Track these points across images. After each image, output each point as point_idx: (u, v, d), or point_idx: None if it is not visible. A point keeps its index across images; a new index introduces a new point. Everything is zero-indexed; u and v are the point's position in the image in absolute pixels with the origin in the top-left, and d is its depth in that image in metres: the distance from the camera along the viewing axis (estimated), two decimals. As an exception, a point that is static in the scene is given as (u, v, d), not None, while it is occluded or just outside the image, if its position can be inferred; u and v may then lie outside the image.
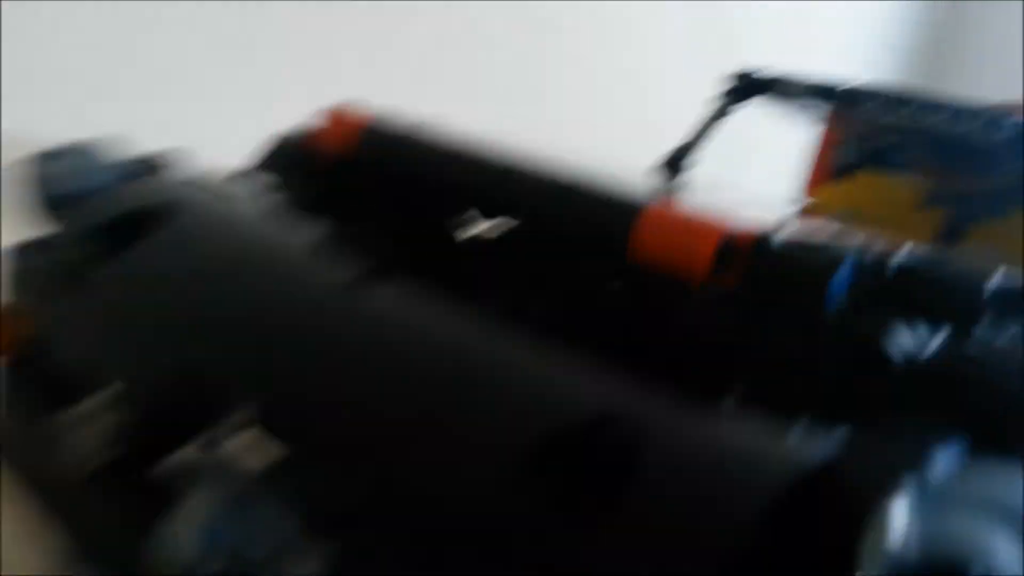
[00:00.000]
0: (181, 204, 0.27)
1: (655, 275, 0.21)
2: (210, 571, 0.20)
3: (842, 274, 0.21)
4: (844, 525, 0.14)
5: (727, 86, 0.57)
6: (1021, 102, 0.69)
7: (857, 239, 0.23)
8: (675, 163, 0.56)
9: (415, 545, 0.18)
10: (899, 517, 0.14)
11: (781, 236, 0.21)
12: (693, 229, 0.20)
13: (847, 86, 0.53)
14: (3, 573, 0.29)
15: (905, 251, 0.24)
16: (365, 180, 0.30)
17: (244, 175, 0.35)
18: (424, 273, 0.24)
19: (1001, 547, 0.13)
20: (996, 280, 0.24)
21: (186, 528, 0.21)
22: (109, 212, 0.27)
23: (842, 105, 0.53)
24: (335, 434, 0.19)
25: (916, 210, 0.63)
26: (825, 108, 0.60)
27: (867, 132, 0.68)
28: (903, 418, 0.19)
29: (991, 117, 0.51)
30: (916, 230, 0.62)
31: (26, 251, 0.31)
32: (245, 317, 0.22)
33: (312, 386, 0.20)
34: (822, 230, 0.24)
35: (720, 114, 0.57)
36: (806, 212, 0.66)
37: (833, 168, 0.69)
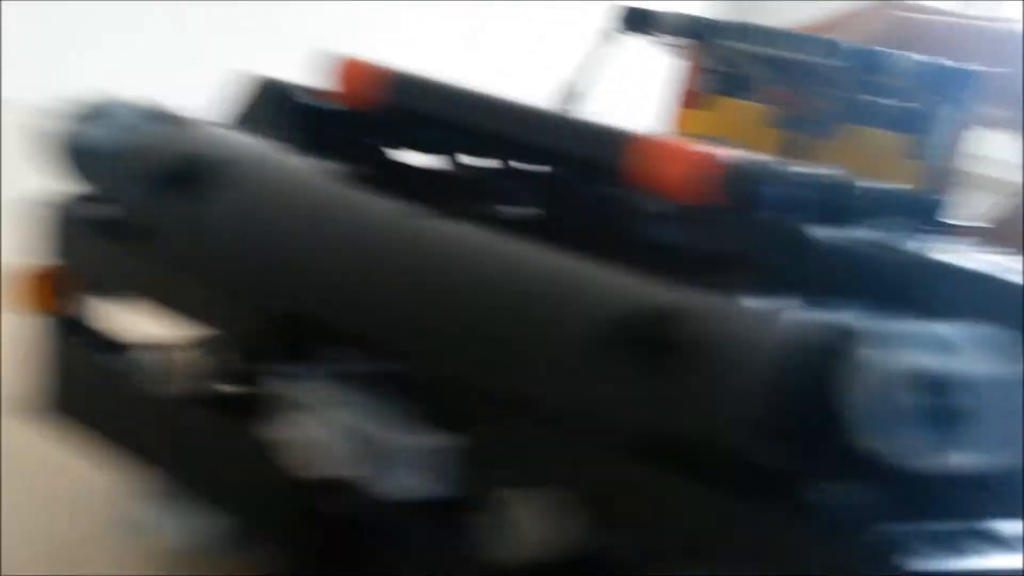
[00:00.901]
0: (233, 154, 0.30)
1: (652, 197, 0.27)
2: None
3: (771, 187, 0.28)
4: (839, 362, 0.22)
5: (610, 22, 0.64)
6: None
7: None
8: (566, 100, 0.63)
9: (526, 426, 0.24)
10: (876, 350, 0.21)
11: (738, 157, 0.28)
12: (686, 156, 0.27)
13: (710, 21, 0.61)
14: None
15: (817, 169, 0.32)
16: (394, 130, 0.34)
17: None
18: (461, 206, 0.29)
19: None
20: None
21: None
22: (160, 164, 0.30)
23: (705, 38, 0.61)
24: (442, 345, 0.25)
25: (764, 131, 0.73)
26: (689, 42, 0.67)
27: (722, 65, 0.77)
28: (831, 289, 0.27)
29: (829, 44, 0.59)
30: (763, 148, 0.73)
31: (68, 206, 0.33)
32: (323, 252, 0.27)
33: (409, 307, 0.25)
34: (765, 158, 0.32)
35: (604, 50, 0.64)
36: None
37: (694, 98, 0.78)
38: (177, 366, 0.29)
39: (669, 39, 0.66)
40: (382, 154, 0.35)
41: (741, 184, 0.27)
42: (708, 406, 0.21)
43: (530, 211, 0.30)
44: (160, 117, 0.34)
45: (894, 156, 0.69)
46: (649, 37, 0.66)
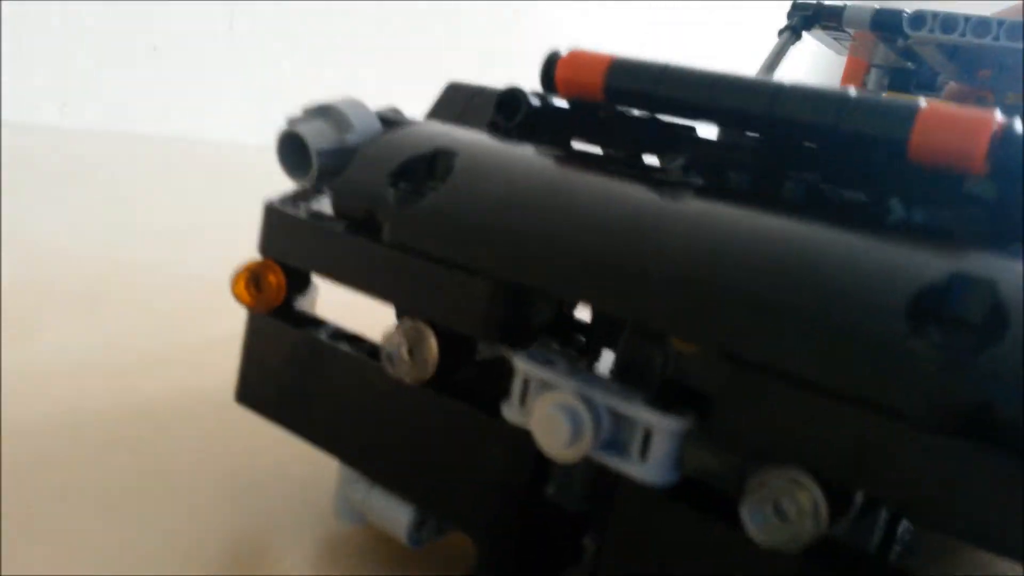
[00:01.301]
0: (466, 142, 0.30)
1: (933, 171, 0.25)
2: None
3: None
4: None
5: (790, 18, 0.62)
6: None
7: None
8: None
9: (791, 409, 0.22)
10: None
11: (1019, 127, 0.26)
12: (968, 125, 0.25)
13: (906, 13, 0.58)
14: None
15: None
16: (619, 117, 0.34)
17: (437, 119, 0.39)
18: (705, 187, 0.28)
19: None
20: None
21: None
22: (400, 155, 0.30)
23: (899, 31, 0.58)
24: (699, 304, 0.24)
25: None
26: (872, 36, 0.64)
27: (888, 60, 0.73)
28: None
29: (1010, 26, 0.55)
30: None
31: (288, 203, 0.34)
32: (581, 225, 0.26)
33: (661, 265, 0.24)
34: None
35: (787, 45, 0.61)
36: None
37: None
38: (403, 354, 0.29)
39: (852, 33, 0.64)
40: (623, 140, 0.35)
41: (1011, 151, 0.25)
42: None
43: (800, 187, 0.29)
44: (385, 117, 0.35)
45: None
46: (831, 32, 0.63)
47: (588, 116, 0.36)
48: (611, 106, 0.33)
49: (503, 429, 0.28)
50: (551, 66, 0.33)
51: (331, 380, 0.32)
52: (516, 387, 0.27)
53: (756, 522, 0.22)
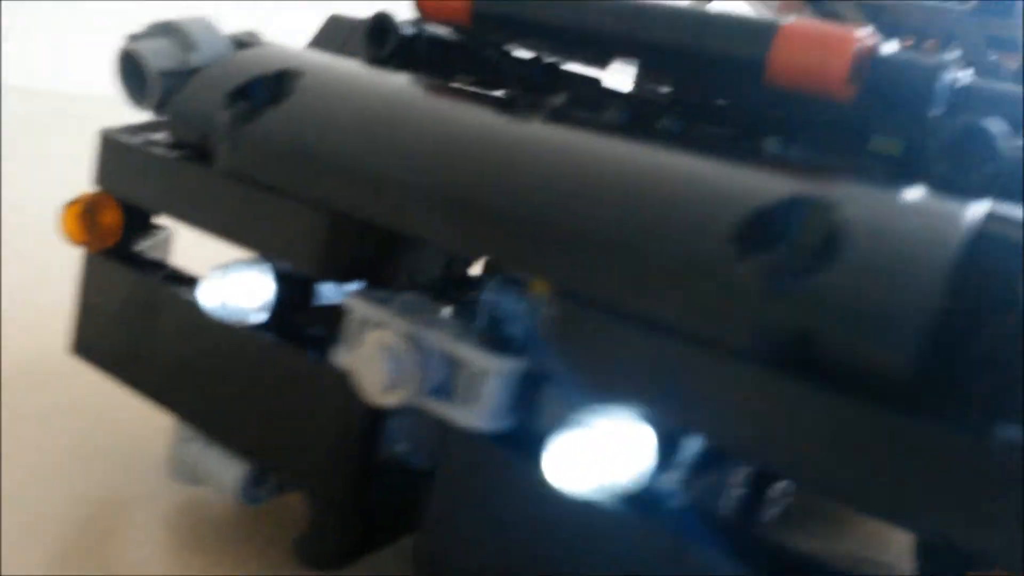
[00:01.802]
0: (315, 63, 0.28)
1: (794, 92, 0.23)
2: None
3: (943, 79, 0.24)
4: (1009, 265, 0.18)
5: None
6: None
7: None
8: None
9: (615, 333, 0.20)
10: None
11: (890, 48, 0.24)
12: (829, 43, 0.23)
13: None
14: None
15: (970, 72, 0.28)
16: (488, 48, 0.31)
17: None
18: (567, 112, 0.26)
19: None
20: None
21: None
22: (241, 75, 0.27)
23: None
24: (532, 239, 0.21)
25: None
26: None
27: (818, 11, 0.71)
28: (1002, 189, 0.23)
29: None
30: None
31: (122, 133, 0.31)
32: (422, 151, 0.24)
33: (497, 194, 0.22)
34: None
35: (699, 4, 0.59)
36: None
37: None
38: (236, 293, 0.27)
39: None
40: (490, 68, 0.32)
41: (900, 76, 0.23)
42: (868, 307, 0.17)
43: (677, 123, 0.27)
44: (240, 39, 0.32)
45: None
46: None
47: (468, 48, 0.33)
48: (479, 34, 0.30)
49: (334, 375, 0.25)
50: None
51: (165, 328, 0.30)
52: (347, 328, 0.25)
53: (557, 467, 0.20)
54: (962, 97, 0.26)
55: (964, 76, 0.26)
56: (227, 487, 0.29)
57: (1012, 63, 0.63)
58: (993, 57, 0.63)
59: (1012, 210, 0.20)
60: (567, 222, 0.21)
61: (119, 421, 0.38)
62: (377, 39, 0.32)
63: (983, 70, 0.64)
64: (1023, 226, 0.19)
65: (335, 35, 0.39)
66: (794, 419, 0.18)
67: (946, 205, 0.19)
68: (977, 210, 0.19)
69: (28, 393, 0.39)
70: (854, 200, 0.19)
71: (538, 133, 0.23)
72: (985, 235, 0.18)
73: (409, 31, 0.32)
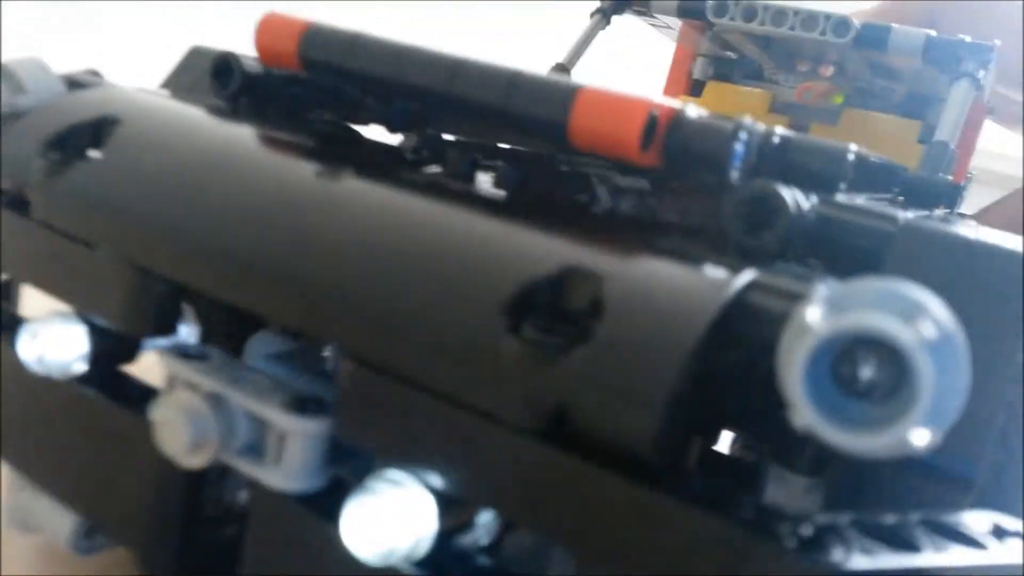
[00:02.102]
0: (137, 109, 0.28)
1: (592, 153, 0.24)
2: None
3: (739, 143, 0.25)
4: (768, 330, 0.19)
5: (602, 0, 0.61)
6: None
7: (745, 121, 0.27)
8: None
9: (395, 400, 0.21)
10: (814, 312, 0.18)
11: (691, 114, 0.25)
12: (624, 108, 0.23)
13: (708, 1, 0.57)
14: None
15: (782, 130, 0.29)
16: (307, 86, 0.31)
17: (171, 87, 0.36)
18: (379, 164, 0.26)
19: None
20: (854, 152, 0.29)
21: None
22: (60, 122, 0.27)
23: (703, 18, 0.58)
24: (310, 308, 0.22)
25: (768, 117, 0.69)
26: (686, 23, 0.64)
27: (712, 50, 0.73)
28: (795, 252, 0.24)
29: (838, 21, 0.55)
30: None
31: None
32: (221, 208, 0.24)
33: (287, 255, 0.22)
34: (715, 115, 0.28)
35: (596, 29, 0.61)
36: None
37: (693, 84, 0.75)
38: (50, 345, 0.26)
39: (664, 20, 0.63)
40: (301, 116, 0.32)
41: (697, 143, 0.24)
42: (609, 373, 0.18)
43: (454, 173, 0.27)
44: (76, 80, 0.32)
45: (904, 142, 0.66)
46: (643, 18, 0.63)
47: (313, 88, 0.33)
48: (310, 78, 0.30)
49: (150, 429, 0.25)
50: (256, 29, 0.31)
51: (-6, 374, 0.29)
52: (165, 384, 0.25)
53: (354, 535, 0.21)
54: (774, 157, 0.27)
55: (775, 137, 0.27)
56: (59, 537, 0.29)
57: (901, 89, 0.66)
58: (882, 83, 0.65)
59: (781, 277, 0.21)
60: (356, 288, 0.21)
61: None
62: (222, 78, 0.32)
63: (873, 95, 0.66)
64: (783, 293, 0.20)
65: (192, 69, 0.39)
66: (553, 487, 0.18)
67: (714, 275, 0.20)
68: (742, 277, 0.20)
69: None
70: (625, 270, 0.20)
71: (335, 192, 0.23)
72: (740, 303, 0.19)
73: (255, 70, 0.32)
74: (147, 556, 0.26)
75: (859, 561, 0.16)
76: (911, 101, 0.67)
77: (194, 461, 0.23)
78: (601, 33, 0.62)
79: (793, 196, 0.24)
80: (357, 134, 0.36)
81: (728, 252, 0.23)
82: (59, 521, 0.29)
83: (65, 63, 0.34)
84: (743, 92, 0.72)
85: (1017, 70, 0.69)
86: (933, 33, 0.52)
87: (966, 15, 0.71)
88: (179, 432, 0.22)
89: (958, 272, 0.24)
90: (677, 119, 0.24)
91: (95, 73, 0.33)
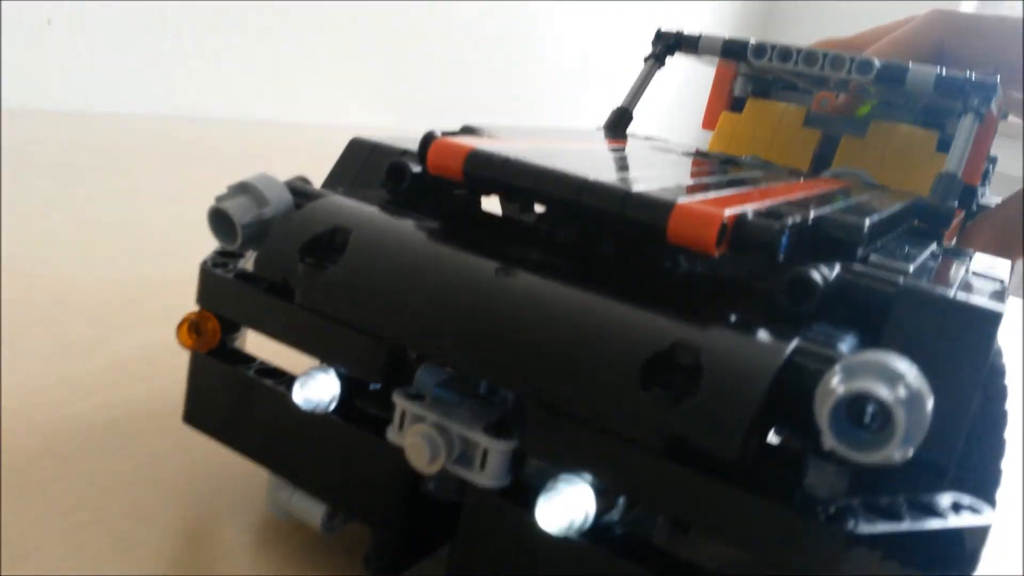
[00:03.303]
0: (358, 220, 0.39)
1: (685, 250, 0.35)
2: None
3: (784, 236, 0.36)
4: (808, 382, 0.30)
5: (654, 46, 0.71)
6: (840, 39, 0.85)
7: (792, 207, 0.38)
8: (617, 125, 0.70)
9: (567, 430, 0.32)
10: (835, 378, 0.29)
11: (750, 215, 0.36)
12: (704, 217, 0.35)
13: (746, 42, 0.67)
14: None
15: (815, 209, 0.40)
16: (471, 200, 0.43)
17: (339, 181, 0.48)
18: (533, 258, 0.38)
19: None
20: (868, 222, 0.40)
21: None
22: (307, 232, 0.39)
23: (744, 59, 0.67)
24: (506, 368, 0.33)
25: (802, 131, 0.79)
26: (726, 59, 0.74)
27: (751, 70, 0.83)
28: (828, 316, 0.35)
29: (861, 63, 0.65)
30: (801, 147, 0.79)
31: (219, 263, 0.43)
32: (435, 299, 0.36)
33: (490, 334, 0.34)
34: (773, 203, 0.39)
35: (652, 72, 0.71)
36: (713, 139, 0.82)
37: (728, 100, 0.84)
38: (314, 390, 0.39)
39: (709, 59, 0.73)
40: (465, 205, 0.44)
41: (754, 237, 0.35)
42: (709, 415, 0.30)
43: (587, 256, 0.39)
44: (295, 190, 0.43)
45: (924, 151, 0.75)
46: (691, 57, 0.73)
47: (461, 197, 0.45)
48: (468, 186, 0.42)
49: (388, 448, 0.37)
50: (423, 149, 0.42)
51: (258, 407, 0.42)
52: (396, 416, 0.37)
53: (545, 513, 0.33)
54: (809, 233, 0.39)
55: (809, 221, 0.38)
56: (311, 520, 0.42)
57: (920, 103, 0.74)
58: (902, 100, 0.75)
59: (815, 342, 0.32)
60: (534, 354, 0.33)
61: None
62: (395, 179, 0.44)
63: (896, 107, 0.76)
64: (816, 356, 0.31)
65: (356, 159, 0.50)
66: (673, 484, 0.30)
67: (770, 343, 0.31)
68: (790, 344, 0.31)
69: (149, 444, 0.52)
70: (712, 341, 0.31)
71: (517, 286, 0.35)
72: (789, 364, 0.31)
73: (418, 171, 0.44)
74: (381, 527, 0.39)
75: (863, 528, 0.28)
76: (929, 111, 0.76)
77: (431, 469, 0.35)
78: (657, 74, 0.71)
79: (821, 274, 0.35)
80: (486, 212, 0.48)
81: (777, 317, 0.34)
82: (311, 510, 0.41)
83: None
84: (779, 109, 0.82)
85: (1018, 74, 0.77)
86: (942, 71, 0.61)
87: (972, 37, 0.79)
88: (422, 451, 0.35)
89: (940, 323, 0.35)
90: (740, 222, 0.36)
91: (305, 180, 0.45)
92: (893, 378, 0.27)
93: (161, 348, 0.66)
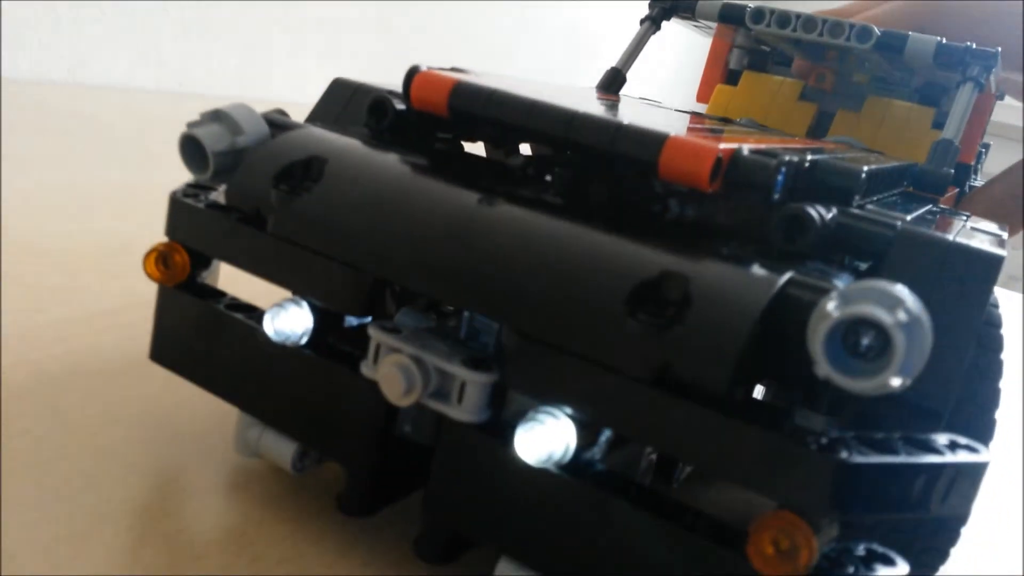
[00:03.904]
0: (336, 149, 0.38)
1: (678, 191, 0.34)
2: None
3: (780, 174, 0.35)
4: (802, 313, 0.28)
5: (651, 9, 0.69)
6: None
7: (788, 151, 0.37)
8: (611, 85, 0.69)
9: (551, 361, 0.31)
10: (832, 303, 0.27)
11: (745, 151, 0.35)
12: (698, 151, 0.33)
13: (744, 7, 0.66)
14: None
15: (811, 155, 0.38)
16: (453, 135, 0.41)
17: (321, 118, 0.46)
18: (519, 194, 0.36)
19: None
20: (866, 169, 0.39)
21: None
22: (281, 160, 0.37)
23: (741, 24, 0.66)
24: (487, 297, 0.32)
25: (797, 104, 0.78)
26: (725, 26, 0.72)
27: (748, 42, 0.82)
28: (822, 258, 0.34)
29: (860, 30, 0.64)
30: (797, 119, 0.78)
31: (190, 194, 0.41)
32: (416, 228, 0.34)
33: (471, 263, 0.32)
34: (766, 145, 0.38)
35: (647, 35, 0.69)
36: (708, 111, 0.81)
37: (730, 73, 0.83)
38: (286, 322, 0.37)
39: (705, 23, 0.72)
40: (452, 145, 0.42)
41: (750, 174, 0.34)
42: (698, 344, 0.28)
43: (577, 195, 0.37)
44: (272, 121, 0.42)
45: (920, 127, 0.74)
46: (686, 22, 0.71)
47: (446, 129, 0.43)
48: (453, 122, 0.40)
49: (362, 382, 0.36)
50: (408, 81, 0.41)
51: (228, 342, 0.40)
52: (371, 349, 0.36)
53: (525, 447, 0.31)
54: (805, 177, 0.37)
55: (806, 162, 0.37)
56: (281, 460, 0.40)
57: (918, 78, 0.73)
58: (900, 73, 0.74)
59: (810, 275, 0.31)
60: (518, 284, 0.31)
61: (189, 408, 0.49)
62: (377, 115, 0.42)
63: (893, 83, 0.75)
64: (811, 287, 0.30)
65: (338, 98, 0.49)
66: (661, 416, 0.29)
67: (763, 275, 0.30)
68: (784, 277, 0.30)
69: (117, 386, 0.50)
70: (702, 272, 0.30)
71: (501, 215, 0.33)
72: (782, 295, 0.29)
73: (401, 108, 0.42)
74: (354, 466, 0.37)
75: (856, 458, 0.26)
76: (926, 89, 0.75)
77: (405, 402, 0.33)
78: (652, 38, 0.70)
79: (818, 212, 0.34)
80: (470, 153, 0.46)
81: (772, 255, 0.33)
82: (281, 449, 0.40)
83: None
84: (775, 81, 0.81)
85: (1018, 58, 0.76)
86: (943, 40, 0.60)
87: (971, 12, 0.78)
88: (396, 382, 0.33)
89: (939, 265, 0.33)
90: (736, 157, 0.34)
91: (282, 112, 0.43)
92: (892, 303, 0.26)
93: (129, 301, 0.64)
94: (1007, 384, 0.39)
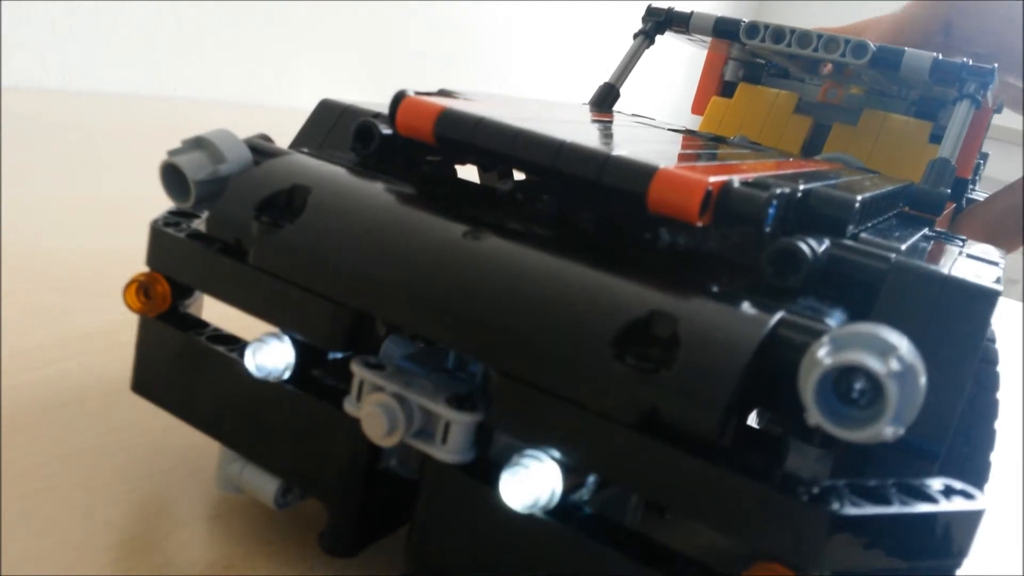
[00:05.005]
0: (320, 179, 0.37)
1: (666, 217, 0.33)
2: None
3: (772, 207, 0.34)
4: (793, 355, 0.28)
5: (644, 23, 0.68)
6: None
7: (781, 180, 0.36)
8: (603, 101, 0.68)
9: (536, 403, 0.30)
10: (823, 349, 0.27)
11: (736, 184, 0.34)
12: (688, 185, 0.32)
13: (739, 22, 0.65)
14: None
15: (803, 184, 0.38)
16: (441, 159, 0.40)
17: (307, 142, 0.45)
18: (506, 225, 0.35)
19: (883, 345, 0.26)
20: (860, 198, 0.38)
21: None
22: (263, 190, 0.36)
23: (736, 39, 0.65)
24: (472, 336, 0.31)
25: (793, 117, 0.77)
26: (717, 39, 0.71)
27: (742, 54, 0.81)
28: (814, 292, 0.33)
29: (856, 45, 0.63)
30: (792, 133, 0.77)
31: (171, 223, 0.40)
32: (388, 263, 0.33)
33: (455, 300, 0.32)
34: (761, 175, 0.37)
35: (640, 49, 0.69)
36: (703, 124, 0.80)
37: (725, 85, 0.82)
38: (267, 357, 0.36)
39: (700, 37, 0.71)
40: (439, 170, 0.42)
41: (740, 207, 0.33)
42: (686, 389, 0.27)
43: (565, 227, 0.36)
44: (255, 147, 0.41)
45: (917, 141, 0.73)
46: (680, 36, 0.71)
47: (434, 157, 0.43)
48: (440, 149, 0.39)
49: (345, 419, 0.35)
50: (394, 108, 0.40)
51: (209, 376, 0.39)
52: (354, 386, 0.35)
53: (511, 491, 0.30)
54: (797, 208, 0.36)
55: (799, 192, 0.36)
56: (263, 496, 0.39)
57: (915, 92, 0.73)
58: (897, 88, 0.73)
59: (801, 315, 0.30)
60: (503, 323, 0.30)
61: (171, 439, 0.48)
62: (363, 139, 0.42)
63: (890, 97, 0.74)
64: (802, 329, 0.29)
65: (324, 120, 0.48)
66: (647, 462, 0.28)
67: (753, 314, 0.29)
68: (775, 317, 0.29)
69: (110, 411, 0.49)
70: (691, 312, 0.29)
71: (486, 250, 0.33)
72: (773, 336, 0.29)
73: (388, 132, 0.41)
74: (337, 505, 0.36)
75: (849, 509, 0.26)
76: (923, 103, 0.74)
77: (388, 442, 0.33)
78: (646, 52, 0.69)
79: (810, 246, 0.33)
80: (460, 179, 0.45)
81: (762, 290, 0.32)
82: (264, 484, 0.39)
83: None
84: (771, 94, 0.80)
85: (1019, 62, 0.76)
86: (939, 56, 0.59)
87: (977, 17, 0.77)
88: (379, 423, 0.32)
89: (933, 300, 0.33)
90: (726, 190, 0.33)
91: (266, 137, 0.42)
92: (885, 350, 0.25)
93: (124, 320, 0.63)
94: (1007, 382, 0.38)
